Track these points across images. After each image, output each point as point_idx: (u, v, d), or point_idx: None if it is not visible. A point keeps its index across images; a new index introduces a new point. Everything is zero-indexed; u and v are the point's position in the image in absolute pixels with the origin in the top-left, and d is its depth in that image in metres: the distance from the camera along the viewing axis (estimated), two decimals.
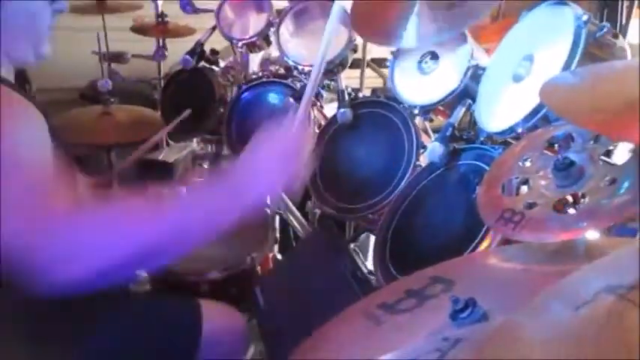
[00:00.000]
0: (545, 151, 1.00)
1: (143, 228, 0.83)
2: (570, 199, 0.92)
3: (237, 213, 0.91)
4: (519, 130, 1.15)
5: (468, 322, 0.66)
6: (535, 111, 1.12)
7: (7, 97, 0.88)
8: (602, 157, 0.95)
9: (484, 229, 1.13)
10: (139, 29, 2.56)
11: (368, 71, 2.97)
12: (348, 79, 2.30)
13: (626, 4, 2.82)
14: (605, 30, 1.09)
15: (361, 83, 2.52)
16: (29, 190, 0.81)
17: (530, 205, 0.91)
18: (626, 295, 0.36)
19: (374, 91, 3.05)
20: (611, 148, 0.97)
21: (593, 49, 1.10)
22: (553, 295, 0.46)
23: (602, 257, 0.49)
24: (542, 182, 0.94)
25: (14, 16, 0.98)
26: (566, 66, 1.07)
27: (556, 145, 1.00)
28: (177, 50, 2.29)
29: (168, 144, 2.53)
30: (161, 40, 2.62)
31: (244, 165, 0.98)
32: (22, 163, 0.82)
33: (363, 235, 1.89)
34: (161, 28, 2.54)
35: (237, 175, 0.95)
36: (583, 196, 0.88)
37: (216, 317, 1.35)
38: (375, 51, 2.94)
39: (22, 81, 2.02)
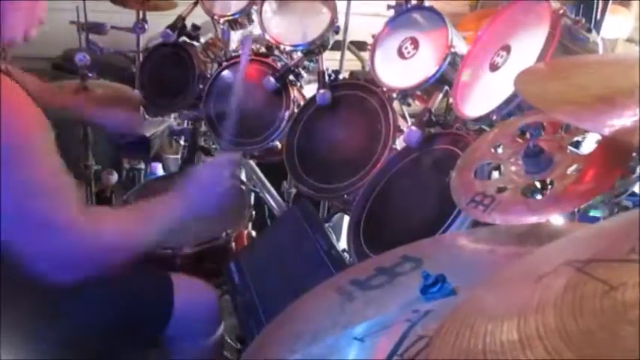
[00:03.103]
0: (517, 139, 1.04)
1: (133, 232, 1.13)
2: (538, 184, 0.97)
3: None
4: (494, 118, 1.19)
5: (438, 297, 0.70)
6: (509, 100, 1.15)
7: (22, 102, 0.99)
8: (571, 147, 0.99)
9: (456, 211, 1.17)
10: (119, 0, 2.52)
11: (347, 54, 2.98)
12: (328, 60, 2.31)
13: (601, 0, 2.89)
14: (579, 24, 1.13)
15: (341, 65, 2.53)
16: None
17: (500, 190, 0.95)
18: (583, 268, 0.39)
19: (352, 73, 3.07)
20: (579, 138, 1.01)
21: (567, 42, 1.14)
22: (517, 269, 0.49)
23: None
24: (513, 168, 0.98)
25: None
26: (541, 57, 1.11)
27: (527, 133, 1.04)
28: (158, 24, 2.26)
29: (145, 118, 2.52)
30: (141, 13, 2.58)
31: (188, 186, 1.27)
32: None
33: (336, 216, 1.93)
34: (142, 1, 2.51)
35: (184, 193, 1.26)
36: (550, 183, 0.92)
37: (188, 290, 1.37)
38: (355, 34, 2.96)
39: None
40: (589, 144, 1.01)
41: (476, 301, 0.47)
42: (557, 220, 0.96)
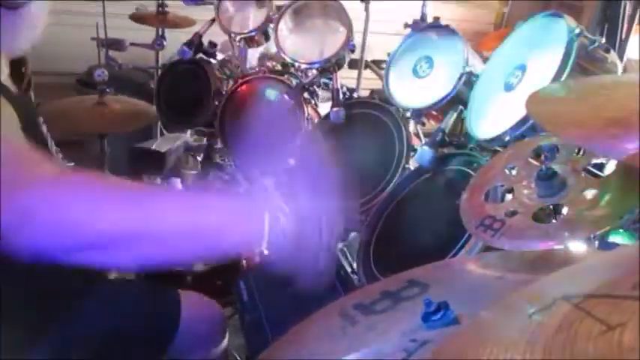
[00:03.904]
0: (531, 161, 1.01)
1: (122, 206, 0.76)
2: (552, 208, 0.93)
3: (216, 239, 0.82)
4: (507, 139, 1.16)
5: (440, 325, 0.67)
6: (523, 120, 1.12)
7: None
8: (589, 169, 0.95)
9: (467, 234, 1.13)
10: (139, 18, 2.56)
11: (367, 72, 2.97)
12: (347, 79, 2.30)
13: (626, 20, 2.84)
14: (597, 44, 1.10)
15: (358, 84, 2.52)
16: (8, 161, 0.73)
17: (512, 214, 0.92)
18: (580, 304, 0.37)
19: (372, 92, 3.06)
20: (595, 161, 0.98)
21: (585, 62, 1.11)
22: (516, 300, 0.47)
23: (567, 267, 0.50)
24: (525, 191, 0.95)
25: (37, 16, 0.99)
26: (557, 77, 1.08)
27: (541, 155, 1.01)
28: (176, 41, 2.29)
29: (162, 134, 2.54)
30: (160, 30, 2.62)
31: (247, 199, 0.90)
32: None
33: (352, 235, 1.90)
34: (161, 18, 2.54)
35: (235, 202, 0.87)
36: (564, 207, 0.88)
37: (195, 307, 1.36)
38: (376, 53, 2.95)
39: (18, 62, 2.00)
40: (612, 166, 0.97)
41: (466, 329, 0.44)
42: (576, 246, 0.93)
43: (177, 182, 2.86)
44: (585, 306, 0.36)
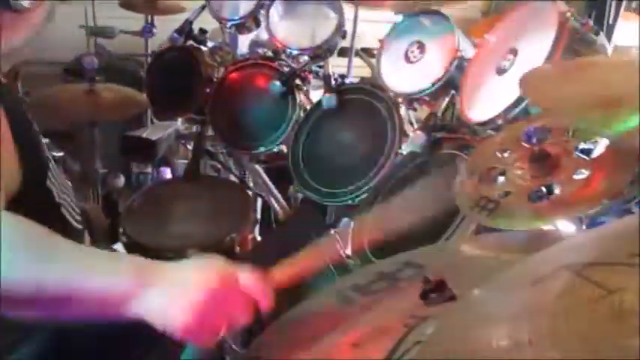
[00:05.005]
0: (523, 143, 1.02)
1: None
2: (544, 189, 0.95)
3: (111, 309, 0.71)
4: (500, 122, 1.17)
5: (438, 302, 0.68)
6: (516, 103, 1.13)
7: None
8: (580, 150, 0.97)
9: (461, 216, 1.15)
10: (128, 5, 2.53)
11: (357, 60, 2.96)
12: (338, 67, 2.29)
13: (613, 5, 2.86)
14: (587, 27, 1.11)
15: (348, 71, 2.52)
16: None
17: (505, 194, 0.93)
18: (582, 272, 0.38)
19: (362, 79, 3.04)
20: (586, 141, 0.99)
21: (575, 44, 1.12)
22: (515, 273, 0.48)
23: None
24: (519, 172, 0.96)
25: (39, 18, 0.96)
26: (548, 60, 1.09)
27: (534, 137, 1.02)
28: (166, 28, 2.26)
29: (152, 122, 2.52)
30: (150, 17, 2.59)
31: (168, 275, 0.74)
32: None
33: (344, 220, 1.90)
34: (150, 5, 2.51)
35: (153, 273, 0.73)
36: (556, 187, 0.90)
37: None
38: (367, 40, 2.94)
39: None
40: (600, 150, 0.99)
41: (469, 306, 0.45)
42: (565, 227, 0.94)
43: (167, 172, 2.85)
44: (585, 273, 0.37)
